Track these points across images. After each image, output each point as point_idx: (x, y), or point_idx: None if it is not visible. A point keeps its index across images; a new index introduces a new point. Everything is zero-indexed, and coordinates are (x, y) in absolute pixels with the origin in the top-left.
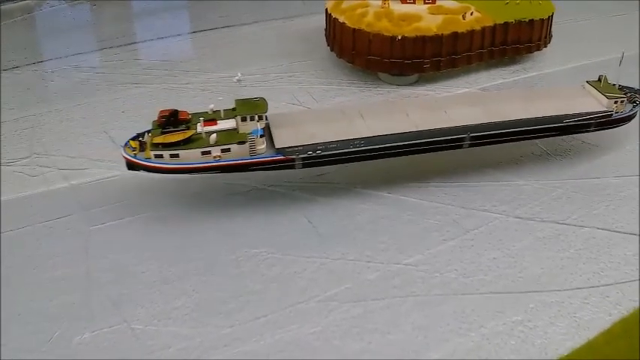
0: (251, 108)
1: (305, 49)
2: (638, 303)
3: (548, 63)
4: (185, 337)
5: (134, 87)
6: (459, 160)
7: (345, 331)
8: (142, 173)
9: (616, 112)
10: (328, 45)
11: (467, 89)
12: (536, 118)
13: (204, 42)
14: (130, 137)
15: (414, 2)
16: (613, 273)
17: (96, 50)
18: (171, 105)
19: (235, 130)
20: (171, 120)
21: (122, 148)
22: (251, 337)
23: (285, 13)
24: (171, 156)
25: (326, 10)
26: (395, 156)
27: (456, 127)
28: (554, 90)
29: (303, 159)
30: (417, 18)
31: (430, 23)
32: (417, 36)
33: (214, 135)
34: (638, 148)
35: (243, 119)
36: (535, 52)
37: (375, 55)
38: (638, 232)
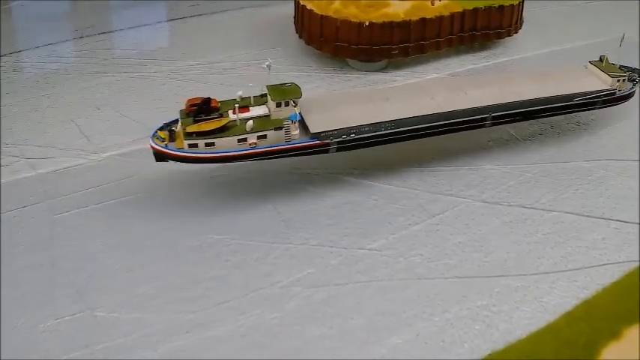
0: (285, 93)
1: (275, 36)
2: (602, 286)
3: (518, 49)
4: (147, 323)
5: (102, 76)
6: (428, 146)
7: (307, 316)
8: (169, 164)
9: (619, 90)
10: (297, 32)
11: (436, 75)
12: (550, 97)
13: (174, 31)
14: (157, 127)
15: None
16: (581, 257)
17: (68, 40)
18: (140, 93)
19: (268, 116)
20: (203, 108)
21: (151, 139)
22: (213, 322)
23: (256, 1)
24: (207, 145)
25: None
26: (422, 137)
27: (478, 108)
28: (562, 70)
29: (338, 143)
30: (385, 4)
31: (398, 9)
32: (384, 22)
33: (250, 122)
34: (606, 132)
35: (278, 105)
36: (506, 38)
37: (342, 42)
38: (606, 216)
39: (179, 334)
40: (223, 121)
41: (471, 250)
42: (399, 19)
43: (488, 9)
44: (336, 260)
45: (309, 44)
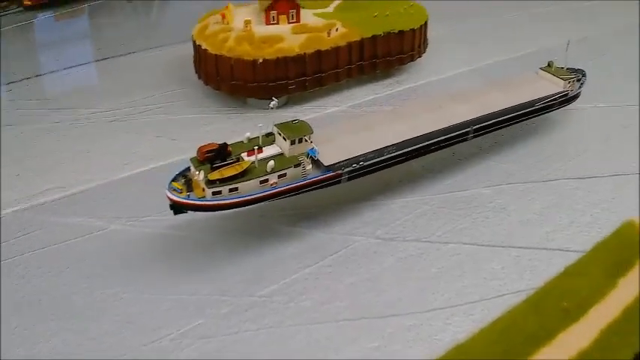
0: (298, 131)
1: (177, 77)
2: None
3: (423, 74)
4: None
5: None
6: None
7: None
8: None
9: (570, 91)
10: (196, 72)
11: (337, 108)
12: (516, 106)
13: (76, 77)
14: (170, 179)
15: (277, 22)
16: (478, 289)
17: None
18: (43, 146)
19: (282, 154)
20: (220, 154)
21: (168, 192)
22: None
23: (161, 42)
24: (231, 190)
25: (192, 36)
26: (420, 156)
27: (461, 123)
28: (518, 77)
29: (349, 172)
30: (279, 39)
31: (292, 43)
32: (278, 57)
33: (271, 162)
34: (506, 155)
35: (293, 142)
36: (410, 63)
37: (238, 80)
38: (505, 244)
39: None
40: (244, 165)
41: (363, 290)
42: (294, 54)
43: (388, 35)
44: (226, 309)
45: (207, 84)
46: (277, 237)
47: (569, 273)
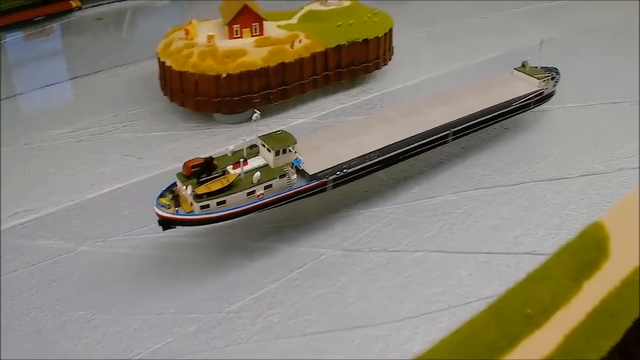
0: (282, 141)
1: (144, 94)
2: (468, 325)
3: (389, 81)
4: None
5: None
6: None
7: None
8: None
9: (546, 89)
10: (162, 89)
11: (303, 119)
12: (494, 106)
13: (45, 97)
14: (157, 195)
15: (240, 36)
16: (446, 297)
17: None
18: (12, 169)
19: (267, 165)
20: (205, 168)
21: (156, 207)
22: None
23: (129, 59)
24: (219, 204)
25: (157, 53)
26: (402, 160)
27: (441, 127)
28: (493, 78)
29: (334, 180)
30: (242, 53)
31: (255, 57)
32: (242, 72)
33: (257, 173)
34: (473, 160)
35: (277, 153)
36: (376, 72)
37: (203, 96)
38: (473, 250)
39: None
40: (231, 178)
41: (330, 302)
42: (257, 67)
43: (352, 44)
44: (194, 327)
45: (172, 101)
46: (244, 252)
47: (532, 278)
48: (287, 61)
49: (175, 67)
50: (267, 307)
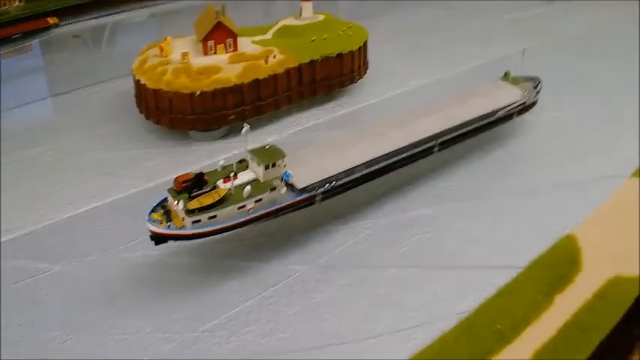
0: (271, 155)
1: (120, 112)
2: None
3: (364, 95)
4: None
5: None
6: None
7: None
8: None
9: (528, 98)
10: (138, 107)
11: (278, 136)
12: (479, 116)
13: (23, 115)
14: (149, 210)
15: (215, 52)
16: (421, 313)
17: None
18: None
19: (257, 180)
20: (196, 183)
21: (148, 223)
22: None
23: (107, 76)
24: (210, 218)
25: (132, 70)
26: (389, 172)
27: (427, 138)
28: (477, 89)
29: (322, 193)
30: (216, 70)
31: (229, 73)
32: (216, 89)
33: (248, 187)
34: (446, 175)
35: (267, 167)
36: (352, 85)
37: (177, 114)
38: (448, 265)
39: None
40: (222, 192)
41: (305, 320)
42: (231, 84)
43: (326, 59)
44: (169, 346)
45: (147, 119)
46: (219, 271)
47: (503, 293)
48: (261, 77)
49: (150, 84)
50: (242, 325)
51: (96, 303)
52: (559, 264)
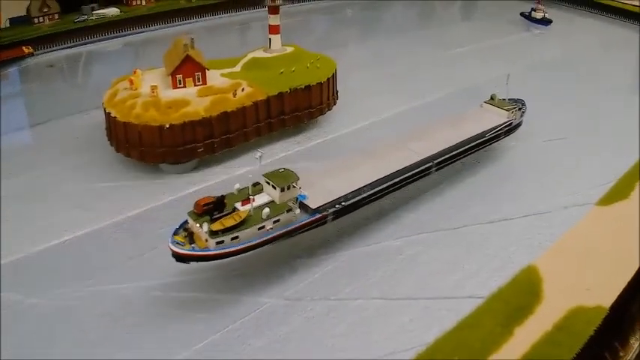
0: (286, 178)
1: (93, 145)
2: None
3: (334, 126)
4: None
5: None
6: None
7: None
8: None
9: (514, 120)
10: (109, 140)
11: (248, 168)
12: (469, 138)
13: None
14: (171, 232)
15: (184, 86)
16: (388, 344)
17: None
18: None
19: (272, 201)
20: (217, 206)
21: (171, 244)
22: None
23: (81, 107)
24: (232, 239)
25: (103, 103)
26: (392, 192)
27: (425, 159)
28: (466, 114)
29: (333, 213)
30: (185, 103)
31: (198, 107)
32: (185, 122)
33: (267, 209)
34: (415, 204)
35: (283, 189)
36: (321, 117)
37: (147, 147)
38: (415, 296)
39: None
40: (243, 214)
41: (272, 353)
42: (200, 117)
43: (295, 91)
44: None
45: (118, 151)
46: (187, 303)
47: (463, 326)
48: (229, 110)
49: (120, 117)
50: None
51: (64, 337)
52: (519, 295)
